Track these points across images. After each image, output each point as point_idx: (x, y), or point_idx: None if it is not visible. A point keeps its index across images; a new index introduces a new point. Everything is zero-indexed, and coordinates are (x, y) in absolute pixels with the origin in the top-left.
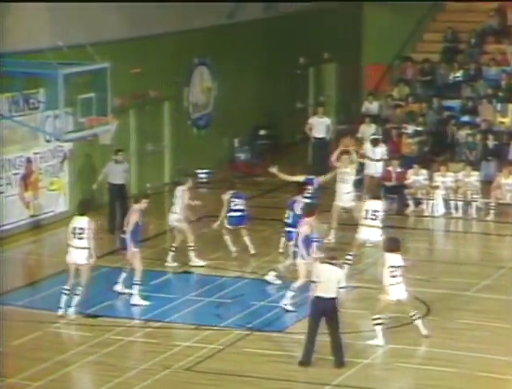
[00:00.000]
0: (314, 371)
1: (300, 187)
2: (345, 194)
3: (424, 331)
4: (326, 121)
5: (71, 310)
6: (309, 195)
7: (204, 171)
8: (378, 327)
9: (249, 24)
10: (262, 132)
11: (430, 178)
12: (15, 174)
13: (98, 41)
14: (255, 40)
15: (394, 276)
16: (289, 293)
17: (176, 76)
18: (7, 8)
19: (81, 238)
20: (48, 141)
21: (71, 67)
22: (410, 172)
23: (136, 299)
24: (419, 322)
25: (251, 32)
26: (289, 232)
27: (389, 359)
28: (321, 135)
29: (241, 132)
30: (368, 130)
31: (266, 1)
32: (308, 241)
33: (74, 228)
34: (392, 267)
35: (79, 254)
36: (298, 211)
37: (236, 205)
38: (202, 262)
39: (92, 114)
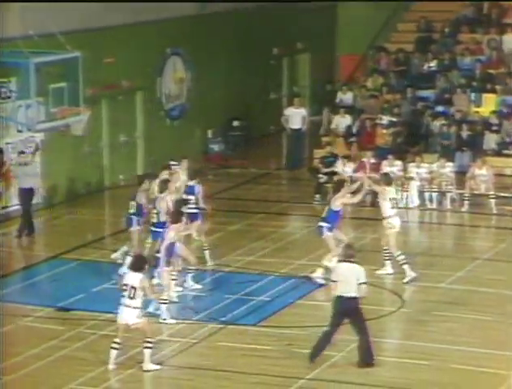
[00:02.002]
0: (288, 365)
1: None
2: None
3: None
4: (302, 111)
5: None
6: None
7: (177, 162)
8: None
9: (222, 14)
10: (235, 123)
11: (404, 169)
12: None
13: (70, 30)
14: (229, 31)
15: (393, 208)
16: (163, 306)
17: (148, 66)
18: None
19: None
20: (19, 131)
21: (42, 56)
22: (384, 163)
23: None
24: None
25: (225, 22)
26: (155, 231)
27: None
28: (297, 126)
29: (215, 123)
30: (342, 121)
31: None
32: (171, 248)
33: (126, 285)
34: (392, 199)
35: (130, 314)
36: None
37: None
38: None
39: (64, 104)
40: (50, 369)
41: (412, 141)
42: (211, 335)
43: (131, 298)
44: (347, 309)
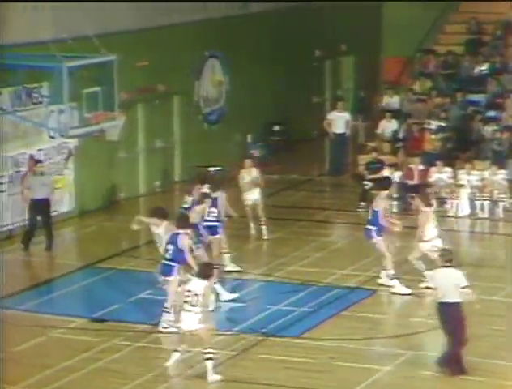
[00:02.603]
0: (331, 379)
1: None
2: None
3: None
4: (346, 116)
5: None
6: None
7: (216, 168)
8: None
9: (262, 15)
10: (276, 128)
11: (454, 176)
12: (18, 172)
13: (104, 33)
14: (269, 32)
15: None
16: (165, 316)
17: (186, 69)
18: None
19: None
20: (52, 137)
21: (76, 60)
22: (433, 170)
23: None
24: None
25: (264, 22)
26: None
27: (410, 367)
28: (340, 131)
29: (254, 128)
30: (388, 125)
31: None
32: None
33: (190, 292)
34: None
35: (193, 320)
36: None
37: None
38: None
39: (98, 109)
40: (83, 382)
41: (462, 147)
42: (251, 347)
43: (193, 305)
44: (449, 315)
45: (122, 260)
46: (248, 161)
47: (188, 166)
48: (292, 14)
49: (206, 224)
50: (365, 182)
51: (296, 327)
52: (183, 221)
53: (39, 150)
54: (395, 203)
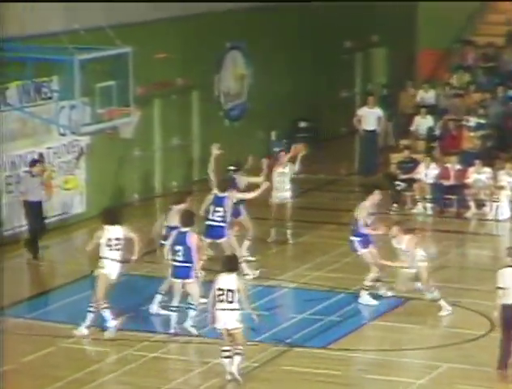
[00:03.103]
0: None
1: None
2: None
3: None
4: (377, 112)
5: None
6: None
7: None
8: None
9: (287, 3)
10: (302, 124)
11: (494, 177)
12: (26, 172)
13: (119, 23)
14: (295, 21)
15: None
16: (191, 313)
17: (205, 62)
18: None
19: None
20: (62, 134)
21: (89, 52)
22: (471, 170)
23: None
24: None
25: (290, 11)
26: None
27: (445, 380)
28: (371, 128)
29: (279, 124)
30: (423, 122)
31: None
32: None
33: (222, 290)
34: None
35: (230, 317)
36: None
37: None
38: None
39: (112, 105)
40: None
41: (503, 146)
42: (275, 358)
43: (230, 302)
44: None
45: (136, 265)
46: (282, 155)
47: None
48: (320, 2)
49: (209, 223)
50: (398, 183)
51: (322, 337)
52: (188, 219)
53: (48, 148)
54: (429, 205)
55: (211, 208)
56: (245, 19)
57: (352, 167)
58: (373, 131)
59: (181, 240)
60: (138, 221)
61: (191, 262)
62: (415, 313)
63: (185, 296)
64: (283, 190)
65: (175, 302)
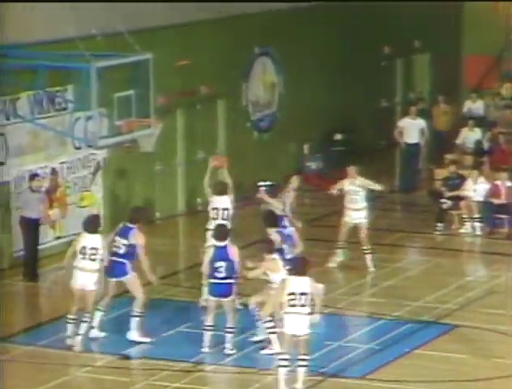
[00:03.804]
0: None
1: None
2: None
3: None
4: (421, 123)
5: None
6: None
7: (267, 183)
8: None
9: (321, 6)
10: (337, 137)
11: None
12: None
13: (139, 28)
14: (329, 26)
15: None
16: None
17: (232, 69)
18: None
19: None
20: (77, 148)
21: (106, 59)
22: None
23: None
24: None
25: (324, 15)
26: None
27: None
28: (414, 141)
29: (312, 137)
30: (471, 135)
31: None
32: None
33: (293, 294)
34: None
35: (302, 323)
36: None
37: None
38: None
39: (132, 116)
40: None
41: None
42: (309, 388)
43: (303, 305)
44: None
45: (158, 288)
46: (352, 168)
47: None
48: (357, 5)
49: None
50: (443, 200)
51: (360, 367)
52: (225, 233)
53: (62, 163)
54: (478, 225)
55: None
56: (274, 23)
57: (392, 183)
58: (415, 144)
59: (223, 255)
60: (159, 242)
61: (235, 278)
62: (462, 341)
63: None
64: (356, 209)
65: (209, 321)
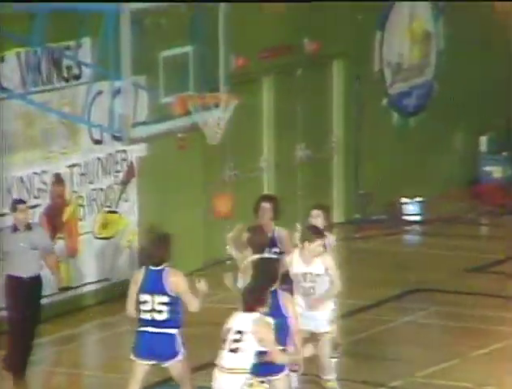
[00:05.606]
0: None
1: None
2: None
3: None
4: None
5: None
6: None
7: (415, 199)
8: None
9: None
10: None
11: None
12: (34, 207)
13: None
14: None
15: None
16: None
17: (356, 14)
18: None
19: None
20: (97, 142)
21: None
22: None
23: None
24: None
25: None
26: None
27: None
28: None
29: (494, 124)
30: None
31: None
32: None
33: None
34: None
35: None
36: None
37: None
38: None
39: (188, 89)
40: None
41: None
42: None
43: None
44: None
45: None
46: None
47: (359, 194)
48: None
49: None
50: None
51: None
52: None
53: (72, 166)
54: None
55: None
56: None
57: None
58: None
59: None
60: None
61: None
62: None
63: None
64: None
65: None
